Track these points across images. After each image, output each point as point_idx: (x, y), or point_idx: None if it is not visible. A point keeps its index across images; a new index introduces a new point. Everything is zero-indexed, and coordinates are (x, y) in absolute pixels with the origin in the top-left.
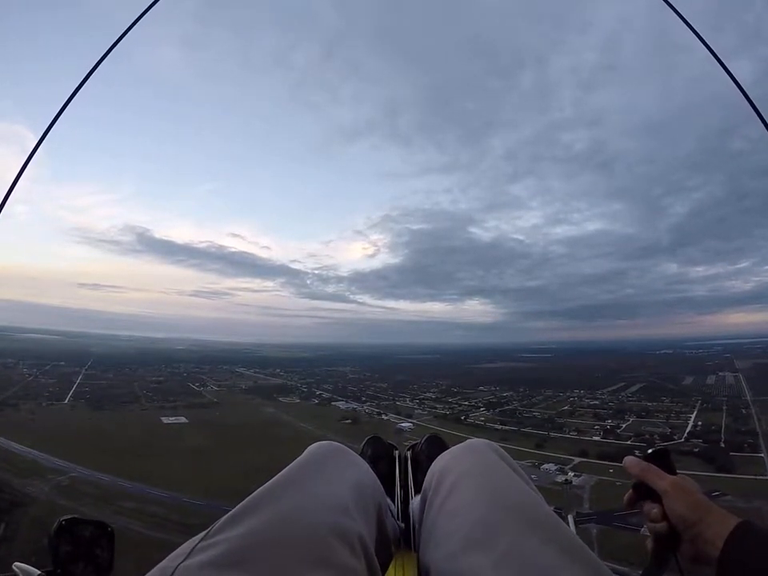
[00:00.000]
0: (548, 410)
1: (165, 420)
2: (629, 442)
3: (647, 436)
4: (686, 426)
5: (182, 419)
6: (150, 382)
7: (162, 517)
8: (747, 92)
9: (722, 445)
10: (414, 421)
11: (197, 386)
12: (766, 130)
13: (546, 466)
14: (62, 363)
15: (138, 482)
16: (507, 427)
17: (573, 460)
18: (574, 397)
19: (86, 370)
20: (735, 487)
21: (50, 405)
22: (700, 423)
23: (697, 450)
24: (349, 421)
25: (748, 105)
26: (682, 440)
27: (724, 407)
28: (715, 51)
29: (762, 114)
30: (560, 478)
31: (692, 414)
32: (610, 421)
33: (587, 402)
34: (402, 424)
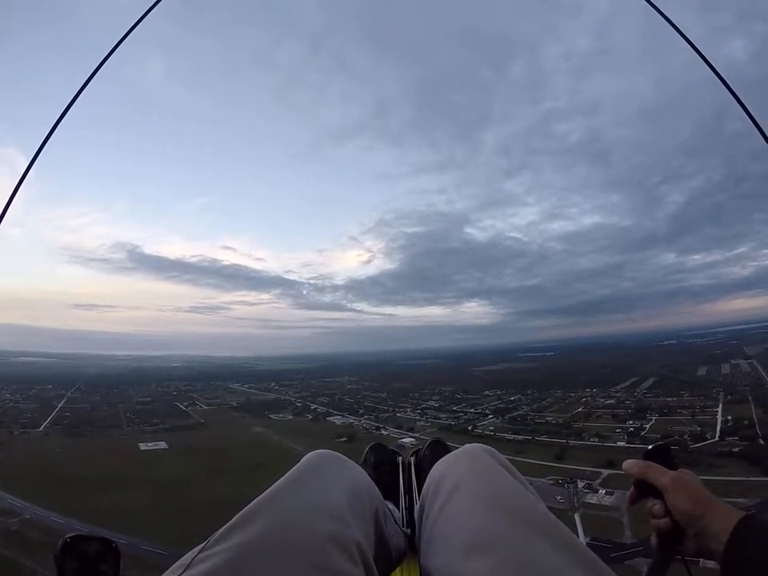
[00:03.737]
0: (561, 413)
1: (142, 446)
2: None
3: (676, 437)
4: (716, 422)
5: (162, 444)
6: (135, 404)
7: None
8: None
9: (762, 441)
10: (417, 435)
11: (185, 406)
12: (747, 117)
13: None
14: (49, 387)
15: (97, 524)
16: (520, 436)
17: (601, 473)
18: (586, 397)
19: (71, 393)
20: None
21: (23, 433)
22: (730, 418)
23: (736, 449)
24: (344, 439)
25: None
26: (716, 439)
27: (750, 398)
28: (697, 46)
29: (742, 99)
30: (592, 498)
31: (717, 407)
32: (631, 422)
33: (602, 401)
34: (404, 440)
